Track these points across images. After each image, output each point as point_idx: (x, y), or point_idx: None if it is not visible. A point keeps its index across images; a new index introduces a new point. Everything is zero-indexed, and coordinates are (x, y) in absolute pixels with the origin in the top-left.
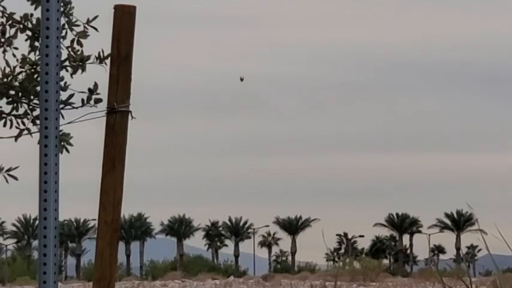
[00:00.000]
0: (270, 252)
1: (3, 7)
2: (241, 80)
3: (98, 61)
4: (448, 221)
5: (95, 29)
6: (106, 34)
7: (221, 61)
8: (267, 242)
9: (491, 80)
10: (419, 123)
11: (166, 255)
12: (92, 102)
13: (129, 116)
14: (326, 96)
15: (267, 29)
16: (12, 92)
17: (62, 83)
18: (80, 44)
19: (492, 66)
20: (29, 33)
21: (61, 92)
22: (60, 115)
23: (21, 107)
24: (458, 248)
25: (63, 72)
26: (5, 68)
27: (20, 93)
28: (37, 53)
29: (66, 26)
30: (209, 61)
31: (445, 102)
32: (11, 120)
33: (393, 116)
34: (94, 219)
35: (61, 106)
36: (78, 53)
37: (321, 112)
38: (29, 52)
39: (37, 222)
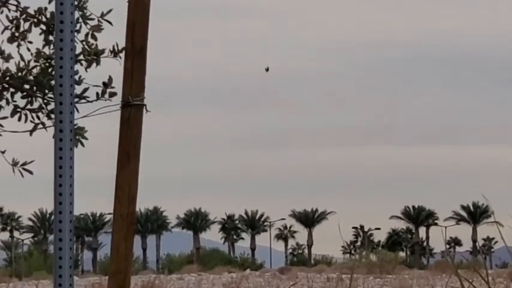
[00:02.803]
0: (286, 245)
1: (17, 1)
2: (267, 70)
3: (113, 55)
4: (464, 213)
5: (109, 22)
6: (120, 28)
7: (236, 54)
8: (283, 235)
9: (504, 72)
10: (436, 115)
11: (183, 248)
12: (106, 96)
13: (144, 110)
14: (342, 88)
15: (281, 21)
16: (27, 86)
17: (76, 77)
18: (94, 37)
19: (502, 58)
20: (43, 27)
21: (76, 86)
22: (75, 109)
23: (35, 101)
24: (474, 240)
25: (77, 66)
26: (19, 62)
27: (35, 88)
28: (51, 47)
29: (80, 20)
30: (224, 54)
31: (463, 94)
32: (25, 115)
33: (410, 108)
34: (110, 213)
35: (76, 100)
36: (93, 46)
37: (337, 105)
38: (44, 46)
39: (53, 216)
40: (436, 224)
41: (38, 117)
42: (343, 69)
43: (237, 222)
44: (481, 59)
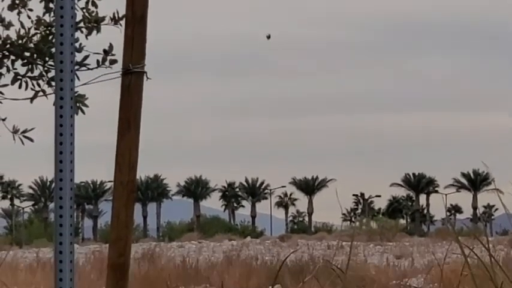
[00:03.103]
0: (286, 212)
1: None
2: (268, 38)
3: (113, 22)
4: (464, 181)
5: None
6: None
7: (236, 22)
8: (284, 203)
9: (503, 39)
10: (436, 82)
11: (183, 216)
12: (107, 63)
13: (144, 77)
14: (341, 56)
15: None
16: (27, 54)
17: (77, 45)
18: (94, 5)
19: (502, 24)
20: None
21: (76, 54)
22: (76, 76)
23: (36, 68)
24: (475, 208)
25: (78, 34)
26: (20, 29)
27: (35, 55)
28: (52, 14)
29: None
30: (225, 22)
31: (461, 62)
32: (26, 82)
33: (409, 75)
34: (111, 181)
35: (76, 67)
36: (93, 14)
37: (336, 73)
38: (44, 13)
39: (53, 184)
40: (436, 192)
41: (39, 85)
42: (341, 37)
43: (237, 189)
44: (477, 26)
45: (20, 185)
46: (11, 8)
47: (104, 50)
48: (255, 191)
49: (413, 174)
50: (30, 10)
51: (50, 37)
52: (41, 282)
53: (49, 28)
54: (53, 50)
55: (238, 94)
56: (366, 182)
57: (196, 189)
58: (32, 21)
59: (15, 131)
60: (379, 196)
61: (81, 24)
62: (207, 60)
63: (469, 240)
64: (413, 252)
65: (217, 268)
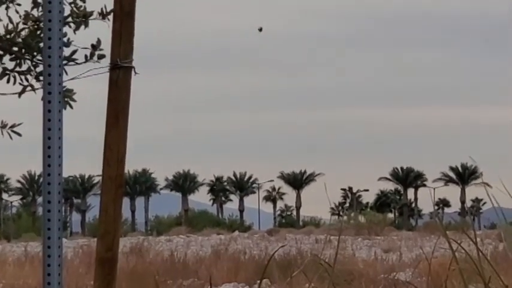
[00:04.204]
0: (274, 207)
1: None
2: (260, 30)
3: (101, 17)
4: (452, 175)
5: None
6: None
7: (224, 15)
8: (272, 197)
9: (494, 33)
10: (423, 76)
11: (171, 210)
12: (95, 58)
13: (132, 72)
14: (328, 49)
15: None
16: (15, 49)
17: (65, 39)
18: None
19: (494, 19)
20: None
21: (64, 48)
22: (64, 71)
23: (24, 63)
24: (463, 202)
25: (66, 28)
26: (8, 24)
27: (23, 50)
28: (40, 9)
29: None
30: (212, 15)
31: (448, 55)
32: (14, 77)
33: (396, 69)
34: (99, 175)
35: (64, 62)
36: (81, 8)
37: (323, 66)
38: (32, 8)
39: (42, 178)
40: (424, 186)
41: (27, 80)
42: (328, 30)
43: (225, 184)
44: (463, 19)
45: (8, 179)
46: None
47: (92, 45)
48: (243, 185)
49: (402, 168)
50: (19, 5)
51: (38, 32)
52: (29, 276)
53: (37, 23)
54: (41, 44)
55: (226, 88)
56: (354, 176)
57: (184, 183)
58: (20, 16)
59: (3, 126)
60: (367, 190)
61: (69, 19)
62: (194, 54)
63: (457, 234)
64: (402, 246)
65: (205, 262)
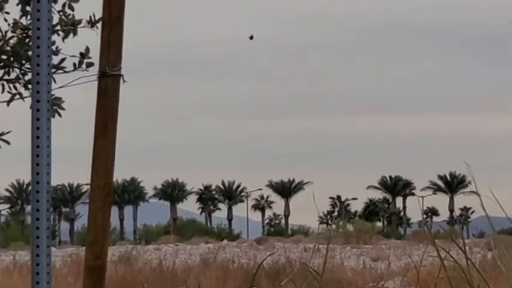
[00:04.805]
0: (263, 215)
1: None
2: (251, 38)
3: (90, 25)
4: (441, 183)
5: None
6: None
7: (212, 24)
8: (260, 206)
9: (483, 41)
10: (412, 84)
11: (160, 219)
12: (83, 66)
13: (121, 80)
14: (317, 58)
15: None
16: (4, 57)
17: (53, 48)
18: (71, 8)
19: (482, 26)
20: None
21: (53, 57)
22: (52, 79)
23: (13, 71)
24: (451, 210)
25: (54, 37)
26: None
27: (12, 58)
28: (28, 17)
29: None
30: (200, 24)
31: (436, 63)
32: (2, 85)
33: (386, 77)
34: (87, 184)
35: (53, 70)
36: (70, 17)
37: (312, 75)
38: (21, 16)
39: (30, 187)
40: (413, 194)
41: (15, 88)
42: (316, 39)
43: (214, 192)
44: (456, 28)
45: None
46: None
47: (81, 53)
48: (231, 194)
49: (390, 176)
50: (7, 13)
51: (27, 40)
52: (18, 285)
53: (26, 31)
54: (30, 52)
55: (215, 96)
56: (343, 184)
57: (172, 192)
58: (8, 24)
59: None
60: (356, 199)
61: (58, 27)
62: (183, 62)
63: (445, 242)
64: (390, 255)
65: (194, 271)
